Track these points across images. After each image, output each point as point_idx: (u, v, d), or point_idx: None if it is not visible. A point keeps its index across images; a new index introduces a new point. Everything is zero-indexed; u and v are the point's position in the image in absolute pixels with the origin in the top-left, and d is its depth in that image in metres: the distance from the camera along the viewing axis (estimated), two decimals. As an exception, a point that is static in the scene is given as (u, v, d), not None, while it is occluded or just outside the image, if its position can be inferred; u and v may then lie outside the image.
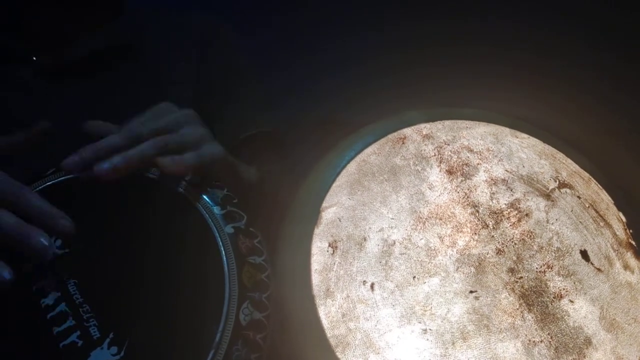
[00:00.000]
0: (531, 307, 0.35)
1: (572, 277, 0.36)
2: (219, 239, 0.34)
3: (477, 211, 0.38)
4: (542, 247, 0.37)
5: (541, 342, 0.34)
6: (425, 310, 0.34)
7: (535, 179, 0.39)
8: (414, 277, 0.35)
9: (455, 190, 0.38)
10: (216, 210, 0.36)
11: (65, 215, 0.32)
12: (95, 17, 0.53)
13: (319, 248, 0.36)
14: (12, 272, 0.30)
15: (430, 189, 0.38)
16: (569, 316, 0.35)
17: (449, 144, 0.40)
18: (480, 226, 0.37)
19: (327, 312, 0.34)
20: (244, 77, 0.58)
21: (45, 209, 0.32)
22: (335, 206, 0.38)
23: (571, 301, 0.35)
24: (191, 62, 0.56)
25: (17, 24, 0.50)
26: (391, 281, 0.35)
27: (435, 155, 0.40)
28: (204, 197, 0.36)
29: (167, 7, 0.59)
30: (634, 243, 0.38)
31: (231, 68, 0.57)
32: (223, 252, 0.34)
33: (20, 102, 0.50)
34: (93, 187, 0.37)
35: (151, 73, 0.53)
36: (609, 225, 0.38)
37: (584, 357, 0.34)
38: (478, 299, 0.35)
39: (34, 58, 0.50)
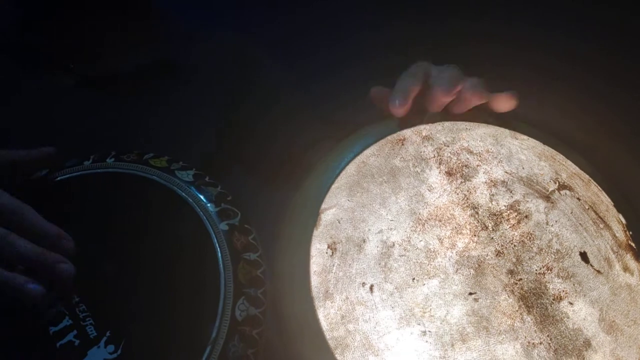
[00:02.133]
0: (530, 309, 0.35)
1: (571, 279, 0.36)
2: (213, 236, 0.35)
3: (477, 213, 0.38)
4: (541, 249, 0.37)
5: (540, 344, 0.34)
6: (425, 312, 0.34)
7: (534, 180, 0.39)
8: (413, 278, 0.35)
9: (455, 192, 0.38)
10: (210, 207, 0.36)
11: (65, 234, 0.32)
12: (137, 33, 0.54)
13: (318, 250, 0.36)
14: (40, 286, 0.30)
15: (429, 191, 0.38)
16: (568, 318, 0.35)
17: (448, 146, 0.40)
18: (479, 228, 0.37)
19: (326, 314, 0.34)
20: (275, 95, 0.59)
21: (47, 230, 0.32)
22: (335, 208, 0.38)
23: (570, 303, 0.35)
24: (226, 82, 0.57)
25: (60, 33, 0.51)
26: (390, 283, 0.35)
27: (434, 156, 0.40)
28: (199, 194, 0.36)
29: (207, 27, 0.60)
30: (633, 245, 0.38)
31: (264, 87, 0.59)
32: (218, 249, 0.34)
33: (60, 109, 0.50)
34: (89, 186, 0.37)
35: (189, 91, 0.55)
36: (608, 227, 0.38)
37: (584, 359, 0.34)
38: (477, 301, 0.35)
39: (71, 65, 0.51)
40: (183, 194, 0.36)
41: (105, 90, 0.52)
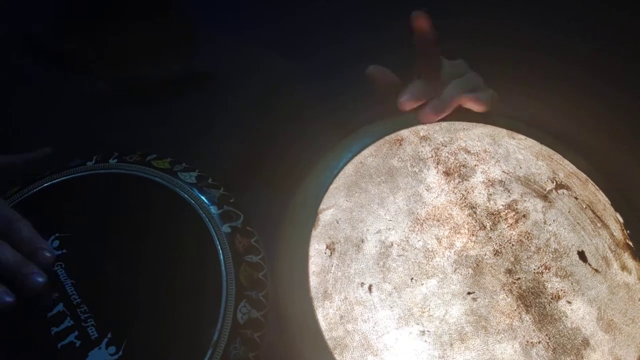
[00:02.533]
0: (529, 308, 0.35)
1: (569, 278, 0.36)
2: (216, 238, 0.35)
3: (475, 212, 0.38)
4: (539, 248, 0.37)
5: (539, 343, 0.34)
6: (423, 312, 0.34)
7: (532, 180, 0.39)
8: (412, 278, 0.35)
9: (453, 192, 0.38)
10: (213, 209, 0.36)
11: (48, 247, 0.34)
12: (171, 45, 0.54)
13: (316, 250, 0.36)
14: (14, 296, 0.31)
15: (427, 191, 0.38)
16: (566, 317, 0.35)
17: (446, 146, 0.40)
18: (477, 227, 0.37)
19: (325, 314, 0.35)
20: (314, 119, 0.59)
21: (32, 241, 0.34)
22: (333, 208, 0.38)
23: (569, 302, 0.35)
24: (257, 93, 0.57)
25: (97, 39, 0.52)
26: (389, 283, 0.35)
27: (432, 156, 0.40)
28: (201, 196, 0.37)
29: (239, 39, 0.61)
30: (631, 244, 0.38)
31: (300, 111, 0.59)
32: (220, 251, 0.34)
33: (89, 113, 0.51)
34: (92, 187, 0.37)
35: (220, 102, 0.55)
36: (606, 226, 0.38)
37: (582, 358, 0.34)
38: (476, 300, 0.35)
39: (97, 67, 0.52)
40: (185, 195, 0.36)
41: (138, 98, 0.52)
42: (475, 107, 0.41)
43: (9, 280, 0.32)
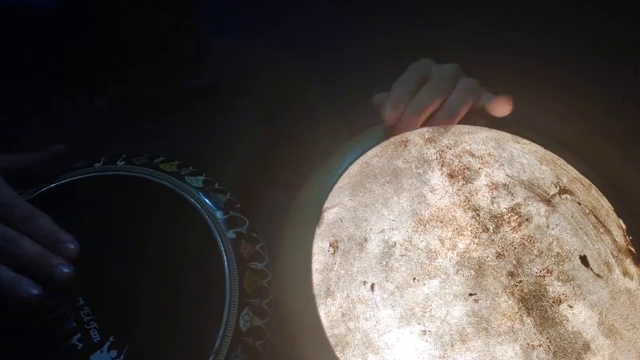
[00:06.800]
0: (530, 311, 0.35)
1: (571, 282, 0.36)
2: (220, 244, 0.34)
3: (478, 215, 0.38)
4: (542, 252, 0.37)
5: (540, 346, 0.34)
6: (425, 312, 0.34)
7: (536, 184, 0.40)
8: (414, 278, 0.35)
9: (457, 194, 0.39)
10: (219, 215, 0.36)
11: (71, 239, 0.33)
12: (182, 64, 0.55)
13: (320, 248, 0.37)
14: (40, 289, 0.31)
15: (431, 192, 0.39)
16: (567, 321, 0.35)
17: (450, 148, 0.41)
18: (480, 230, 0.37)
19: (327, 312, 0.35)
20: (323, 118, 0.59)
21: (54, 234, 0.33)
22: (337, 207, 0.38)
23: (570, 306, 0.36)
24: (266, 101, 0.57)
25: (105, 60, 0.52)
26: (391, 282, 0.35)
27: (437, 158, 0.40)
28: (207, 201, 0.36)
29: (249, 44, 0.61)
30: (633, 250, 0.38)
31: (310, 110, 0.59)
32: (224, 257, 0.34)
33: (94, 130, 0.51)
34: (98, 189, 0.37)
35: (227, 104, 0.55)
36: (608, 232, 0.39)
37: (583, 362, 0.34)
38: (477, 302, 0.35)
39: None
40: (192, 199, 0.36)
41: (142, 114, 0.52)
42: (498, 110, 0.40)
43: (32, 274, 0.31)
